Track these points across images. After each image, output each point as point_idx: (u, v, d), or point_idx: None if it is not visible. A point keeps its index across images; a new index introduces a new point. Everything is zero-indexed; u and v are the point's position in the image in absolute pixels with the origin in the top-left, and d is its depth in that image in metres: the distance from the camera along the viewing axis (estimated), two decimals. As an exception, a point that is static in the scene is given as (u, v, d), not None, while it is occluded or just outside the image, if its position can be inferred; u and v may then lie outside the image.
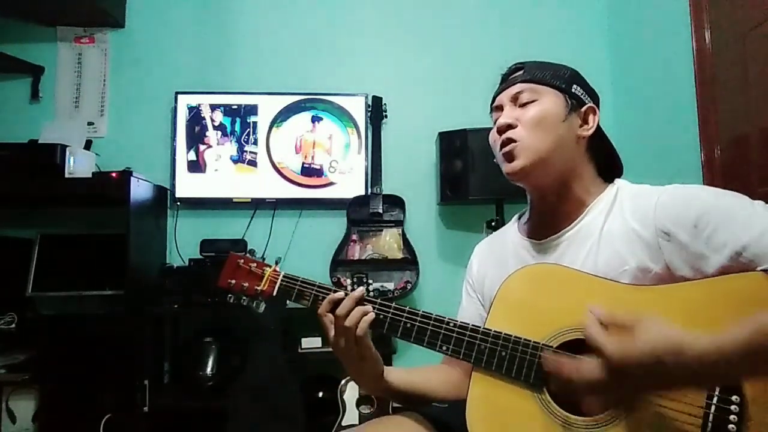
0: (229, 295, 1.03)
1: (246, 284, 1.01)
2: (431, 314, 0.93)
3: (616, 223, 0.90)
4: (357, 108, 2.50)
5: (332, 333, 0.91)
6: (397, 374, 1.00)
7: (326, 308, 0.92)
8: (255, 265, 1.02)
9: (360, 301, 0.92)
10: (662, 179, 0.92)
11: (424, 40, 2.61)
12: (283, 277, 1.00)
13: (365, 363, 0.93)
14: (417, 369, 1.07)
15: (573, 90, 0.96)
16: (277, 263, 1.04)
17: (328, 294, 0.94)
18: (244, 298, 1.02)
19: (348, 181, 2.47)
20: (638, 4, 2.42)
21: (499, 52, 2.53)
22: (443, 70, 2.60)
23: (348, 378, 1.99)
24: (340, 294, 0.93)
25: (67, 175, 2.03)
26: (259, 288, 1.00)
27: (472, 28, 2.63)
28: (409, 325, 0.92)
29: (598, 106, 0.99)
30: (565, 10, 2.65)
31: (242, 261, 1.03)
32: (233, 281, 1.02)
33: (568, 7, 2.66)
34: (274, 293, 1.00)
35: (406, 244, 2.36)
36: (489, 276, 1.06)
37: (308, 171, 2.47)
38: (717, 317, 0.77)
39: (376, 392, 1.01)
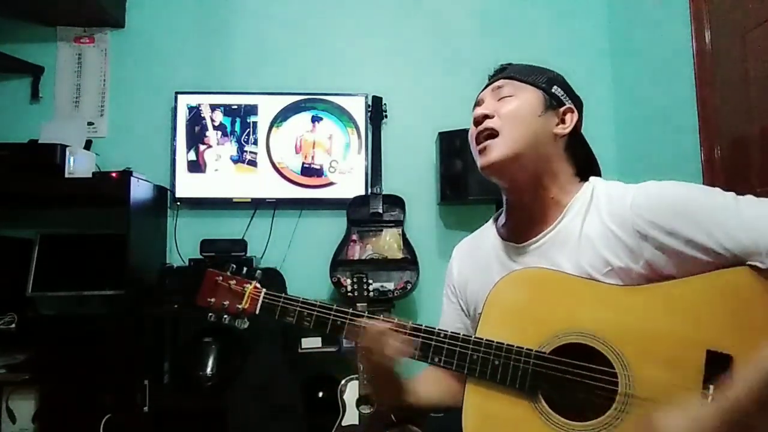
0: (210, 314, 0.99)
1: (227, 302, 0.98)
2: (421, 326, 0.92)
3: (593, 225, 0.90)
4: (357, 108, 2.50)
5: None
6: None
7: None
8: (234, 282, 0.99)
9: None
10: (662, 179, 0.91)
11: (425, 41, 2.61)
12: (265, 294, 0.98)
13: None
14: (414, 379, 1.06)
15: (553, 90, 0.97)
16: (257, 278, 1.01)
17: (312, 309, 0.94)
18: (226, 316, 0.99)
19: (348, 181, 2.47)
20: (638, 3, 2.42)
21: (499, 52, 2.49)
22: (443, 70, 2.60)
23: (348, 378, 1.98)
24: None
25: (67, 175, 2.03)
26: (240, 306, 0.97)
27: (473, 29, 2.62)
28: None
29: (580, 112, 0.99)
30: (565, 11, 2.65)
31: (221, 278, 1.00)
32: (213, 300, 0.99)
33: (568, 7, 2.65)
34: (257, 311, 0.97)
35: (406, 244, 2.36)
36: (471, 281, 1.06)
37: (308, 171, 2.46)
38: (708, 313, 0.79)
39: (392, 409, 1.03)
